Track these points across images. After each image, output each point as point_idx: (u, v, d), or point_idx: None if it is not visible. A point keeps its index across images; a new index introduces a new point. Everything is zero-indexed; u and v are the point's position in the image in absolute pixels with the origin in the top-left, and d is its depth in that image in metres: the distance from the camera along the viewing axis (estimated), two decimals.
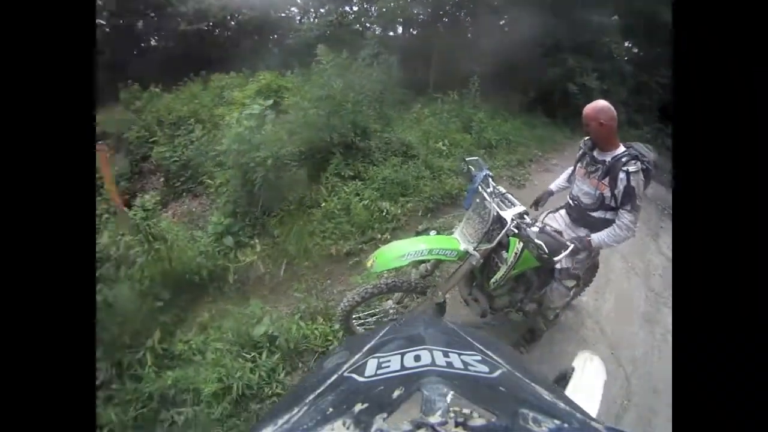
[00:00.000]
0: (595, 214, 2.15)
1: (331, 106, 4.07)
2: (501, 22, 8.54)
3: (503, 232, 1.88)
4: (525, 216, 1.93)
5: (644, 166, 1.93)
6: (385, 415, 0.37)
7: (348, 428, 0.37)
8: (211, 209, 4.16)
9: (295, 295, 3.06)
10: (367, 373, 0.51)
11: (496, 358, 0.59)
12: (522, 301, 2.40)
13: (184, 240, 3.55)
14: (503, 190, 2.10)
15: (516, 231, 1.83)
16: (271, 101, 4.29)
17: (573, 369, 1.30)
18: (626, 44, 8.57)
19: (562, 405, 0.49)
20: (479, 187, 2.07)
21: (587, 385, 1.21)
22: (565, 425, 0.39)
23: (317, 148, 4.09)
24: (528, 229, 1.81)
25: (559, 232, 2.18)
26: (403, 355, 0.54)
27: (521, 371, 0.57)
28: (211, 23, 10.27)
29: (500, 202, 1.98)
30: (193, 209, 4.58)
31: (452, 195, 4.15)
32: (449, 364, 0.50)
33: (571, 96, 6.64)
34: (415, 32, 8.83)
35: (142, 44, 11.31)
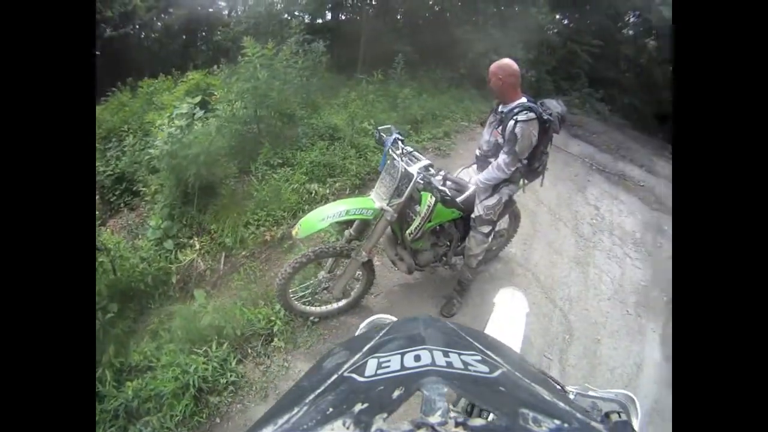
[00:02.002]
0: (492, 159, 2.30)
1: (256, 98, 4.14)
2: (430, 1, 8.74)
3: (411, 184, 2.04)
4: (430, 168, 2.12)
5: (538, 117, 2.05)
6: (385, 415, 0.37)
7: (348, 428, 0.37)
8: (150, 217, 4.08)
9: (236, 285, 3.14)
10: (367, 373, 0.51)
11: (496, 358, 0.59)
12: (446, 255, 2.57)
13: (126, 250, 3.51)
14: (411, 149, 2.27)
15: (422, 183, 1.99)
16: (199, 98, 4.27)
17: (494, 305, 1.36)
18: (556, 16, 9.00)
19: (562, 405, 0.49)
20: (390, 150, 2.22)
21: (509, 318, 1.28)
22: (565, 425, 0.40)
23: (246, 140, 4.17)
24: (432, 179, 1.99)
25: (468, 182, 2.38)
26: (403, 355, 0.54)
27: (521, 371, 0.57)
28: (137, 26, 9.81)
29: (408, 160, 2.14)
30: (132, 221, 4.48)
31: (377, 170, 4.38)
32: (449, 364, 0.50)
33: None
34: (344, 17, 8.82)
35: None
